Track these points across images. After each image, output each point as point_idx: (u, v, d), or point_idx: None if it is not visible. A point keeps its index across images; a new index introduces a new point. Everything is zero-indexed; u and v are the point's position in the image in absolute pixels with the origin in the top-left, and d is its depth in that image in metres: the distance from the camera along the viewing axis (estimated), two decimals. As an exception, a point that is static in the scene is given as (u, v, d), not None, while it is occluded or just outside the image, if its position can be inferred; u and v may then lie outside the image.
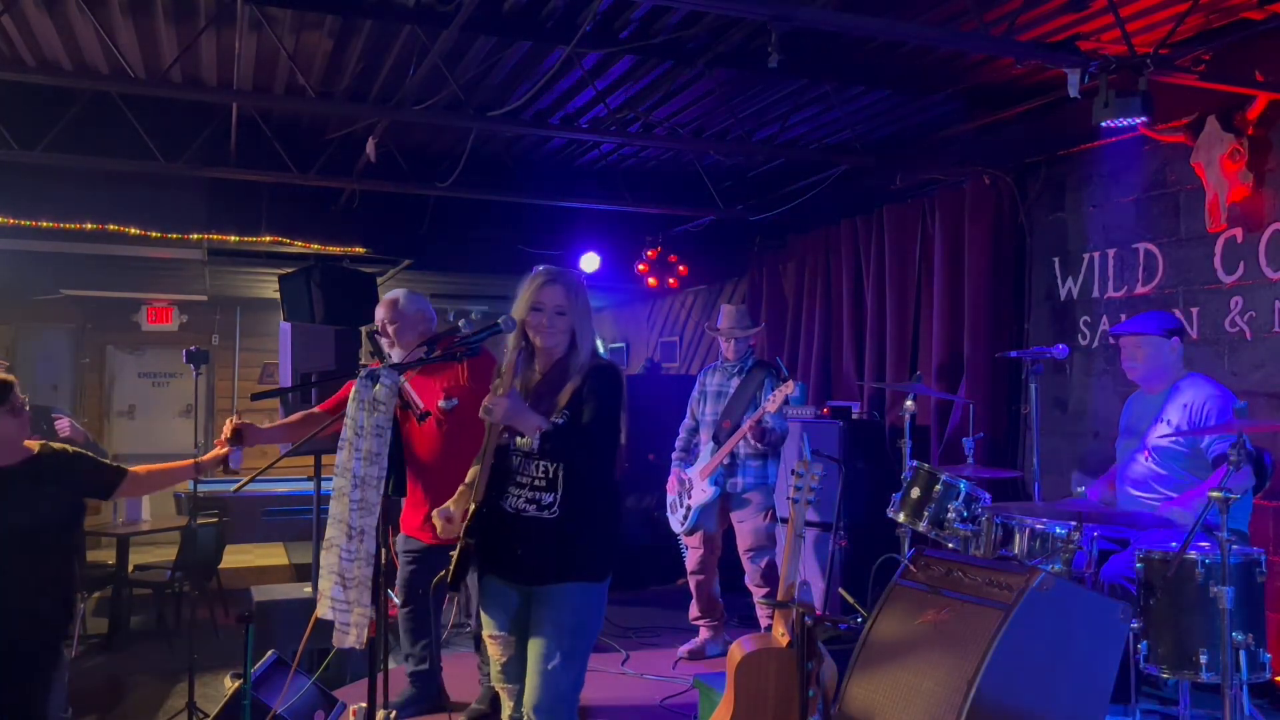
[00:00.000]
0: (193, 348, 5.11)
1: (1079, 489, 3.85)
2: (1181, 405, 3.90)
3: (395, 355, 4.27)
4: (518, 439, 2.97)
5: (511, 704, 3.03)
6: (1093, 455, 5.36)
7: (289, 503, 8.58)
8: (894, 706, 3.24)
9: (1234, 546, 3.16)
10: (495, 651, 3.03)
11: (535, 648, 2.89)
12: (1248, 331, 4.62)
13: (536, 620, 2.92)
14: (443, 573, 3.02)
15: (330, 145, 6.47)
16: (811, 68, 5.38)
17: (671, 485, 5.44)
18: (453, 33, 4.45)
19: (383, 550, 2.84)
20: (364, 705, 2.94)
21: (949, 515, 3.94)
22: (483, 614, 3.06)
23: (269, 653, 3.97)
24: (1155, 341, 3.98)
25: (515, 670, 3.00)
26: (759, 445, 5.10)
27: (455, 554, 2.96)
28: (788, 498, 3.51)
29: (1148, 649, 3.35)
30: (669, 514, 5.46)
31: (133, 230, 7.00)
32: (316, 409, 4.35)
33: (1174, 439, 3.86)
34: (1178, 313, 4.80)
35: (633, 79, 5.64)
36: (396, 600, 4.33)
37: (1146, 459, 3.98)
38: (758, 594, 5.16)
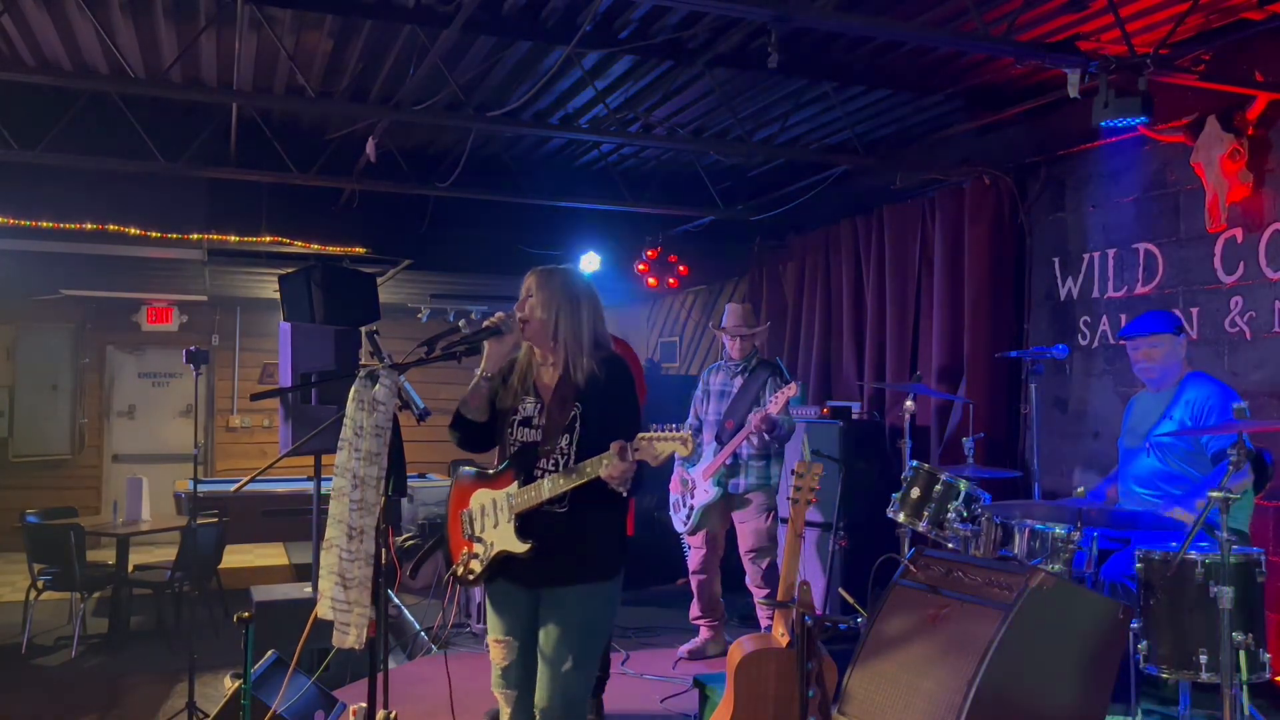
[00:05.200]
0: (193, 348, 5.12)
1: (1079, 489, 3.85)
2: (1185, 402, 3.91)
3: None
4: (525, 431, 2.96)
5: (509, 710, 2.98)
6: (1093, 456, 5.36)
7: (289, 503, 8.59)
8: (894, 706, 3.24)
9: (1234, 546, 3.17)
10: (498, 655, 2.98)
11: (546, 650, 2.85)
12: (1248, 331, 4.61)
13: (546, 623, 2.88)
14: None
15: (330, 145, 6.46)
16: (811, 68, 5.38)
17: (674, 485, 5.43)
18: (453, 33, 4.45)
19: (383, 550, 2.83)
20: (364, 705, 2.94)
21: (949, 515, 3.94)
22: (489, 617, 3.02)
23: (269, 653, 3.97)
24: (1169, 340, 3.98)
25: (515, 676, 2.95)
26: (764, 441, 5.09)
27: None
28: (788, 498, 3.51)
29: (1148, 649, 3.35)
30: (672, 513, 5.45)
31: (133, 230, 7.00)
32: None
33: (1177, 436, 3.86)
34: (1177, 311, 4.80)
35: (632, 79, 5.64)
36: None
37: (1149, 456, 3.98)
38: (758, 595, 5.15)
